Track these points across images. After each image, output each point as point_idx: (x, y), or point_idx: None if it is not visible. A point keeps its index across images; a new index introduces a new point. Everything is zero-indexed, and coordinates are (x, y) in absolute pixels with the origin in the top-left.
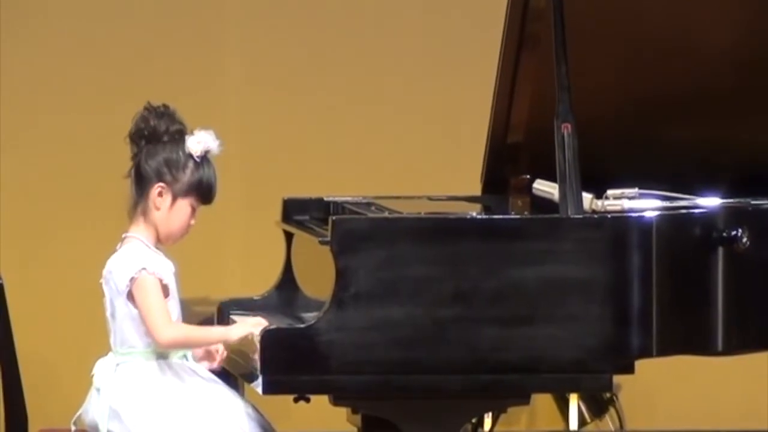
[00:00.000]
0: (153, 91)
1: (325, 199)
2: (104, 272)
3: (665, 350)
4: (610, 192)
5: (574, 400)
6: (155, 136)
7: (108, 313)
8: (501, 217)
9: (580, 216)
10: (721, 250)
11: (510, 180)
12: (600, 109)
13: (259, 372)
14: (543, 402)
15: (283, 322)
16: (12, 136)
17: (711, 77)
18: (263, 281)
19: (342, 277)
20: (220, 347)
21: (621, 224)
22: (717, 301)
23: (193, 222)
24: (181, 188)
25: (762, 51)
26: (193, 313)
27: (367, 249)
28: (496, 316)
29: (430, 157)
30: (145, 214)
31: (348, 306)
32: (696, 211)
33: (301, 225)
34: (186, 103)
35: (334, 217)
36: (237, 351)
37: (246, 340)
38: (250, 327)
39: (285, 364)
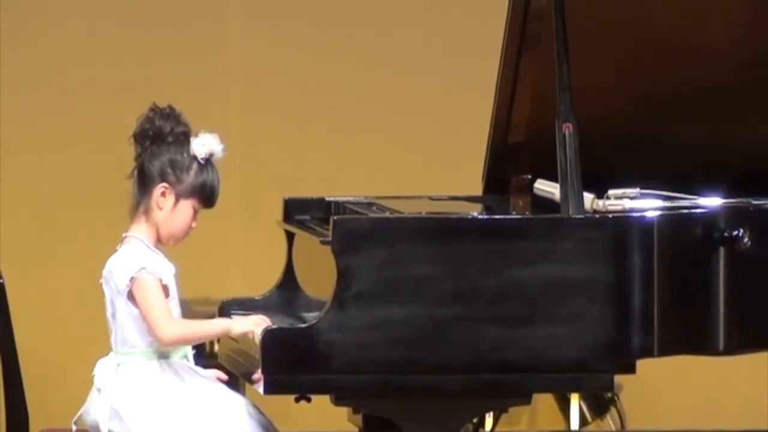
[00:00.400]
0: (154, 91)
1: (326, 199)
2: (104, 272)
3: (666, 350)
4: (611, 192)
5: (575, 400)
6: (160, 137)
7: (108, 313)
8: (502, 216)
9: (582, 216)
10: (722, 250)
11: (511, 180)
12: (601, 108)
13: (260, 371)
14: (544, 402)
15: (284, 322)
16: (13, 137)
17: (712, 77)
18: (264, 281)
19: (343, 276)
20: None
21: (622, 224)
22: (718, 301)
23: (194, 224)
24: (184, 190)
25: (763, 50)
26: (194, 313)
27: (368, 249)
28: (498, 316)
29: (431, 157)
30: (147, 213)
31: (349, 306)
32: (697, 210)
33: (302, 225)
34: (187, 103)
35: (335, 217)
36: (237, 350)
37: (247, 339)
38: (252, 323)
39: (286, 364)
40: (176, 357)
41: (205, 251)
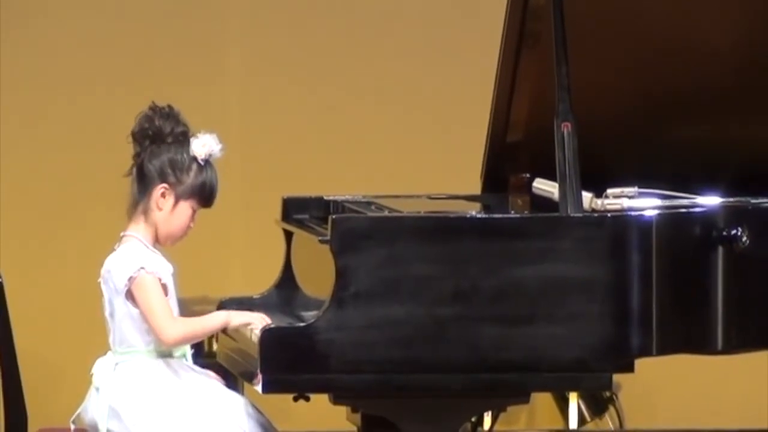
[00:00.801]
0: (154, 90)
1: (325, 198)
2: (102, 272)
3: (665, 349)
4: (609, 191)
5: (573, 399)
6: (159, 137)
7: (107, 313)
8: (501, 216)
9: (580, 215)
10: (720, 249)
11: (510, 179)
12: (600, 108)
13: (259, 371)
14: (543, 401)
15: (282, 321)
16: (13, 136)
17: (712, 76)
18: (263, 280)
19: (342, 276)
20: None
21: (621, 223)
22: (717, 300)
23: (192, 224)
24: (184, 191)
25: (762, 50)
26: (193, 313)
27: (367, 248)
28: (496, 315)
29: (430, 156)
30: (146, 213)
31: (348, 305)
32: (696, 210)
33: (300, 224)
34: (187, 102)
35: (333, 216)
36: (236, 349)
37: (245, 337)
38: (250, 316)
39: (285, 363)
40: (175, 356)
41: (203, 250)
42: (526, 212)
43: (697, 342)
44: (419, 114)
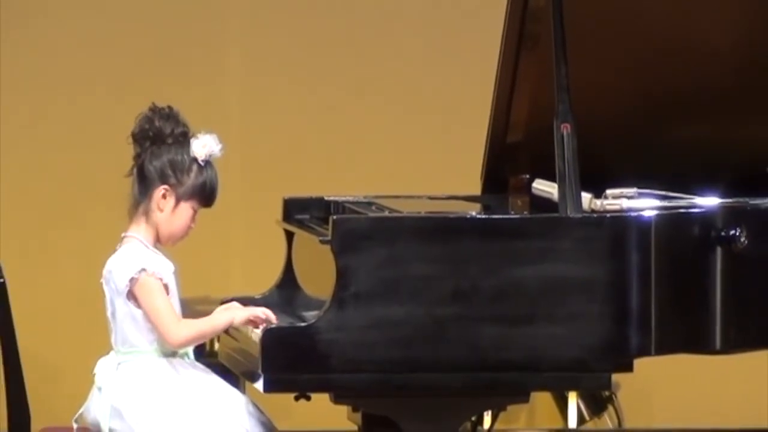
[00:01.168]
0: (155, 92)
1: (326, 198)
2: (104, 272)
3: (664, 349)
4: (609, 191)
5: (573, 399)
6: (160, 138)
7: (108, 313)
8: (501, 216)
9: (580, 215)
10: (719, 250)
11: (509, 179)
12: (599, 109)
13: (260, 370)
14: (542, 400)
15: (284, 321)
16: (14, 137)
17: (710, 77)
18: (264, 280)
19: (342, 276)
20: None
21: (620, 223)
22: (715, 300)
23: (193, 225)
24: (185, 191)
25: (761, 50)
26: (195, 312)
27: (368, 248)
28: (497, 315)
29: (430, 156)
30: (146, 214)
31: (348, 305)
32: (694, 210)
33: (301, 224)
34: (187, 103)
35: (334, 217)
36: (237, 349)
37: (247, 336)
38: (256, 311)
39: (286, 363)
40: (177, 356)
41: (205, 250)
42: (525, 213)
43: (696, 342)
44: (419, 115)
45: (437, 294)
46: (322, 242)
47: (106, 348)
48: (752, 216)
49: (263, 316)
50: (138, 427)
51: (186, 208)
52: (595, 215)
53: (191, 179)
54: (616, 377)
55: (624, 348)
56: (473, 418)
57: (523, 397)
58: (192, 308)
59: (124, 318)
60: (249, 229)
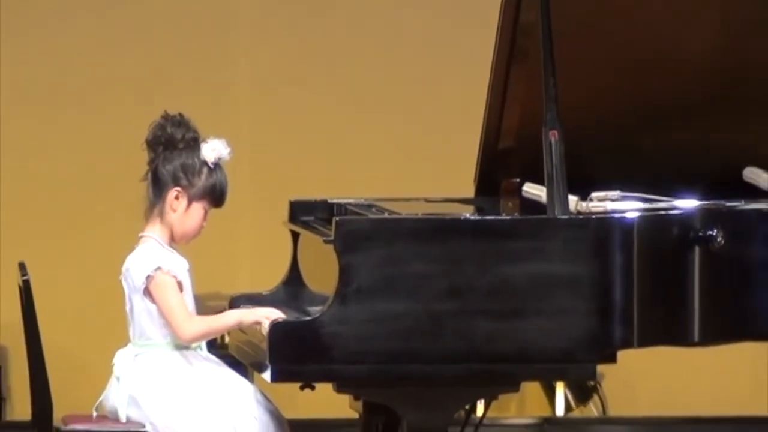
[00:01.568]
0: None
1: (329, 200)
2: (122, 270)
3: (645, 341)
4: (594, 194)
5: (560, 388)
6: (172, 143)
7: (127, 308)
8: (493, 217)
9: (567, 217)
10: (697, 249)
11: (501, 183)
12: (585, 118)
13: (268, 362)
14: (531, 390)
15: (290, 316)
16: (41, 145)
17: (689, 87)
18: (272, 277)
19: (345, 273)
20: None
21: (604, 224)
22: (693, 296)
23: (205, 224)
24: (196, 192)
25: (737, 62)
26: (207, 307)
27: (368, 248)
28: (489, 310)
29: (427, 162)
30: (161, 215)
31: (350, 300)
32: (674, 212)
33: (306, 225)
34: (200, 111)
35: (337, 218)
36: (246, 342)
37: (256, 330)
38: (263, 314)
39: (292, 355)
40: (190, 348)
41: (216, 250)
42: (516, 214)
43: (676, 335)
44: (417, 123)
45: (434, 290)
46: (326, 242)
47: (124, 341)
48: (728, 217)
49: (270, 318)
50: (153, 414)
51: (198, 209)
52: (581, 217)
53: (202, 181)
54: (600, 368)
55: (608, 341)
56: (467, 407)
57: (513, 386)
58: (204, 303)
59: (141, 313)
60: (257, 230)
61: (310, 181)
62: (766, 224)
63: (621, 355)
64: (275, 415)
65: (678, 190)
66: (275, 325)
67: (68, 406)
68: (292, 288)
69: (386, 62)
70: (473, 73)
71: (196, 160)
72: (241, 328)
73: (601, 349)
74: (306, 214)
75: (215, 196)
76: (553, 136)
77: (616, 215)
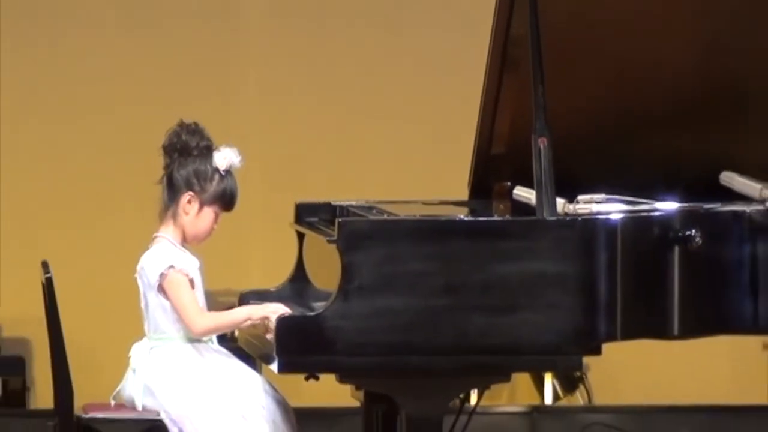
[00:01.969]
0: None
1: (332, 203)
2: (138, 268)
3: (628, 335)
4: (580, 197)
5: (548, 379)
6: (186, 150)
7: (142, 304)
8: (486, 219)
9: (555, 218)
10: (677, 248)
11: (493, 186)
12: (572, 125)
13: (275, 354)
14: (522, 380)
15: (295, 311)
16: (66, 150)
17: (668, 99)
18: (278, 275)
19: (347, 271)
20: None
21: (590, 225)
22: (673, 292)
23: (215, 226)
24: (207, 197)
25: (714, 72)
26: (218, 303)
27: (369, 247)
28: (482, 306)
29: (424, 167)
30: (174, 217)
31: (352, 297)
32: (655, 213)
33: (311, 226)
34: (211, 118)
35: (340, 219)
36: (255, 335)
37: (263, 324)
38: (270, 310)
39: (297, 347)
40: (201, 341)
41: (227, 249)
42: (507, 216)
43: (657, 329)
44: (415, 131)
45: (430, 287)
46: (329, 242)
47: (139, 334)
48: (706, 219)
49: (277, 314)
50: (167, 403)
51: (209, 212)
52: (568, 218)
53: (213, 186)
54: (586, 359)
55: (593, 334)
56: (461, 396)
57: (505, 377)
58: (215, 299)
59: (155, 309)
60: (265, 231)
61: (314, 185)
62: (740, 225)
63: (605, 347)
64: (282, 403)
65: (659, 193)
66: (282, 320)
67: (88, 395)
68: (298, 285)
69: (386, 74)
70: (467, 84)
71: (208, 166)
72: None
73: (586, 342)
74: (311, 215)
75: (225, 201)
76: (542, 142)
77: (601, 217)
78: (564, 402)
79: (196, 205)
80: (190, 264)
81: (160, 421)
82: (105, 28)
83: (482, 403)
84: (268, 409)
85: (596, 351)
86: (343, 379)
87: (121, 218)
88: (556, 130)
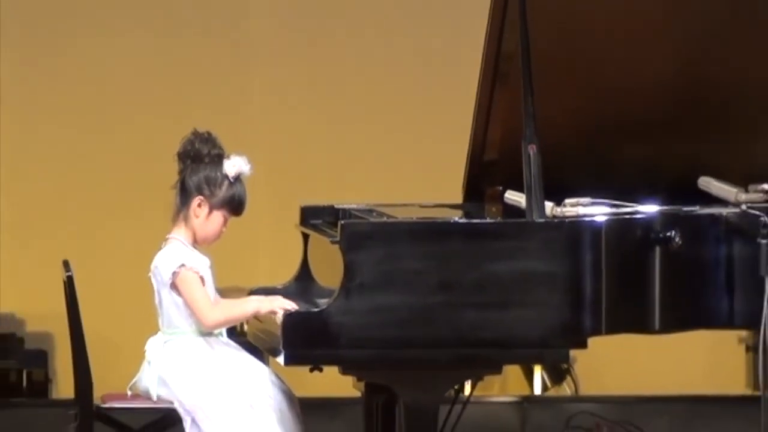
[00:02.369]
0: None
1: (335, 206)
2: (152, 267)
3: (612, 329)
4: (567, 201)
5: (538, 370)
6: (198, 157)
7: (156, 301)
8: (479, 221)
9: (543, 220)
10: (658, 249)
11: (486, 190)
12: (560, 133)
13: (281, 347)
14: (512, 372)
15: (301, 307)
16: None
17: (650, 108)
18: (285, 273)
19: (349, 270)
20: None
21: (576, 227)
22: (654, 290)
23: (224, 230)
24: (217, 202)
25: (694, 83)
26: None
27: (370, 247)
28: (476, 302)
29: (421, 171)
30: (186, 220)
31: (354, 294)
32: (638, 216)
33: (315, 227)
34: (222, 126)
35: (342, 221)
36: (263, 329)
37: (271, 319)
38: (278, 304)
39: (302, 341)
40: (212, 335)
41: (237, 249)
42: (499, 218)
43: (639, 324)
44: (412, 139)
45: (427, 285)
46: (333, 242)
47: (154, 329)
48: (685, 221)
49: (284, 309)
50: (180, 393)
51: (218, 216)
52: (556, 220)
53: (223, 192)
54: (573, 352)
55: (579, 329)
56: (456, 387)
57: (496, 369)
58: (225, 296)
59: (168, 305)
60: (273, 232)
61: (318, 189)
62: (717, 227)
63: (591, 341)
64: (287, 394)
65: (641, 197)
66: (288, 315)
67: (106, 386)
68: (303, 283)
69: (387, 85)
70: (461, 95)
71: (218, 173)
72: (257, 317)
73: (573, 336)
74: (315, 218)
75: (233, 206)
76: (532, 149)
77: (587, 219)
78: (552, 392)
79: (205, 208)
80: (200, 262)
81: (174, 410)
82: (128, 42)
83: (475, 393)
84: (274, 398)
85: (582, 345)
86: (345, 371)
87: (137, 221)
88: (545, 137)
